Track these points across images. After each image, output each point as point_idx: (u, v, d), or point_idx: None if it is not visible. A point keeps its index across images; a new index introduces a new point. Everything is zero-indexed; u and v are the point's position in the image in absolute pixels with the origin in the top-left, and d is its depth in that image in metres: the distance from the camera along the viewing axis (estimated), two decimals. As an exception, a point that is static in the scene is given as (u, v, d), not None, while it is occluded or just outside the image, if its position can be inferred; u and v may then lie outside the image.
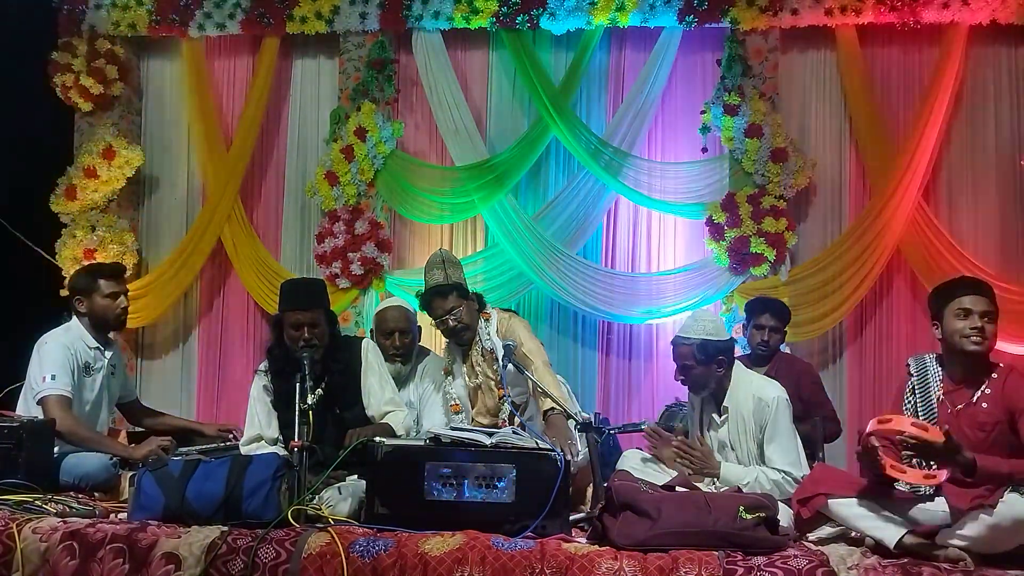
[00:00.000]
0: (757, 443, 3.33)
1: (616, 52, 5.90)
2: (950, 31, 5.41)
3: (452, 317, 3.74)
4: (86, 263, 5.57)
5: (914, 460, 2.89)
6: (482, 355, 3.80)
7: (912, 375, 3.15)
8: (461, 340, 3.82)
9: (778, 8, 5.42)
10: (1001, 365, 3.04)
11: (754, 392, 3.34)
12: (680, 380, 3.46)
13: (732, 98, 5.43)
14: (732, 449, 3.37)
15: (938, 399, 3.07)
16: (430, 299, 3.77)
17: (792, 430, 3.34)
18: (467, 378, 3.85)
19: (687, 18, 5.49)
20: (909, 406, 3.12)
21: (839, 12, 5.40)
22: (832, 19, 5.43)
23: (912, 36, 5.55)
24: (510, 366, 3.61)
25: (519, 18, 5.62)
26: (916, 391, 3.11)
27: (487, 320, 3.82)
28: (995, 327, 3.03)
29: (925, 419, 3.06)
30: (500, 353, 3.65)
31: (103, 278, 4.00)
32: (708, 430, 3.46)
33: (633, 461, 3.53)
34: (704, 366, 3.33)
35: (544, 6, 5.58)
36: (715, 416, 3.43)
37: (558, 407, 3.47)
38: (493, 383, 3.76)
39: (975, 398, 2.98)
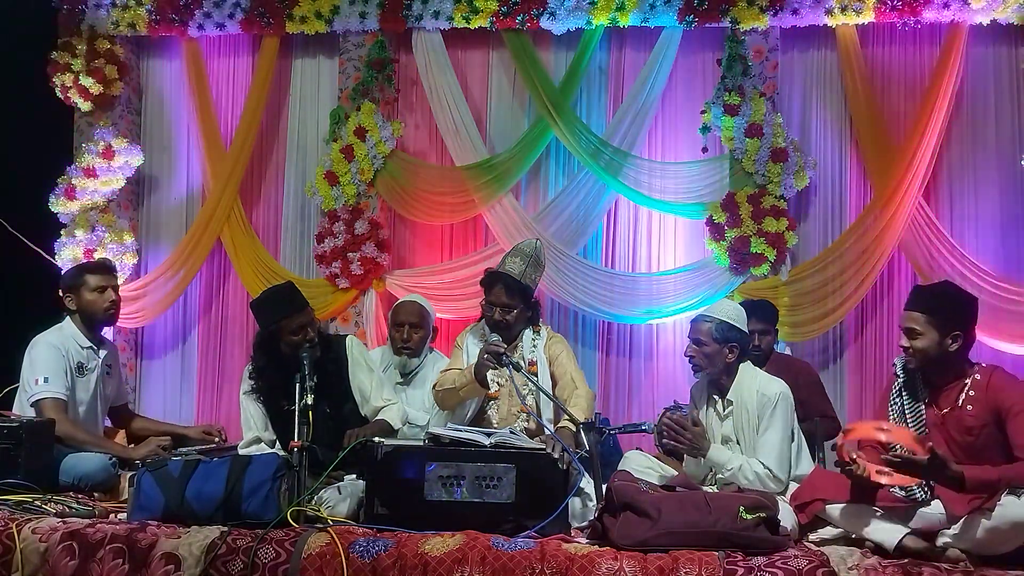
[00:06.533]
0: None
1: (616, 52, 5.88)
2: (950, 31, 5.40)
3: (502, 311, 3.70)
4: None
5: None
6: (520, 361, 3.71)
7: (899, 375, 3.11)
8: (498, 334, 3.70)
9: (778, 8, 5.41)
10: (983, 365, 2.98)
11: (758, 388, 3.38)
12: (689, 357, 3.49)
13: (732, 98, 5.43)
14: (737, 443, 3.39)
15: (925, 402, 3.03)
16: (494, 282, 3.71)
17: (787, 429, 3.33)
18: (498, 377, 3.76)
19: (687, 18, 5.48)
20: (896, 407, 3.08)
21: (839, 12, 5.39)
22: (832, 19, 5.42)
23: (912, 36, 5.56)
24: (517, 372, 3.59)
25: (519, 18, 5.62)
26: (903, 393, 3.07)
27: (537, 333, 3.81)
28: (929, 337, 2.93)
29: (912, 422, 3.01)
30: (541, 366, 3.67)
31: (89, 272, 4.00)
32: (711, 420, 3.48)
33: (635, 462, 3.54)
34: (717, 345, 3.41)
35: (544, 6, 5.57)
36: (719, 407, 3.46)
37: (571, 424, 3.44)
38: (515, 393, 3.62)
39: (960, 401, 2.93)
